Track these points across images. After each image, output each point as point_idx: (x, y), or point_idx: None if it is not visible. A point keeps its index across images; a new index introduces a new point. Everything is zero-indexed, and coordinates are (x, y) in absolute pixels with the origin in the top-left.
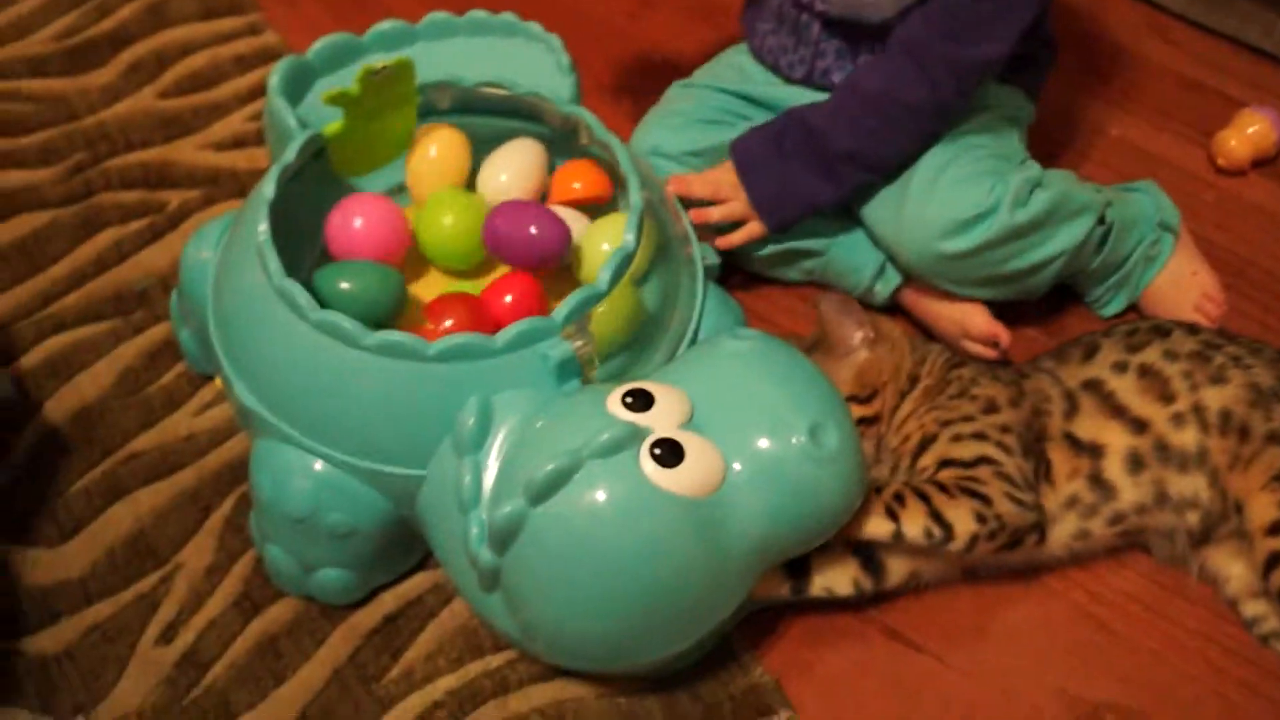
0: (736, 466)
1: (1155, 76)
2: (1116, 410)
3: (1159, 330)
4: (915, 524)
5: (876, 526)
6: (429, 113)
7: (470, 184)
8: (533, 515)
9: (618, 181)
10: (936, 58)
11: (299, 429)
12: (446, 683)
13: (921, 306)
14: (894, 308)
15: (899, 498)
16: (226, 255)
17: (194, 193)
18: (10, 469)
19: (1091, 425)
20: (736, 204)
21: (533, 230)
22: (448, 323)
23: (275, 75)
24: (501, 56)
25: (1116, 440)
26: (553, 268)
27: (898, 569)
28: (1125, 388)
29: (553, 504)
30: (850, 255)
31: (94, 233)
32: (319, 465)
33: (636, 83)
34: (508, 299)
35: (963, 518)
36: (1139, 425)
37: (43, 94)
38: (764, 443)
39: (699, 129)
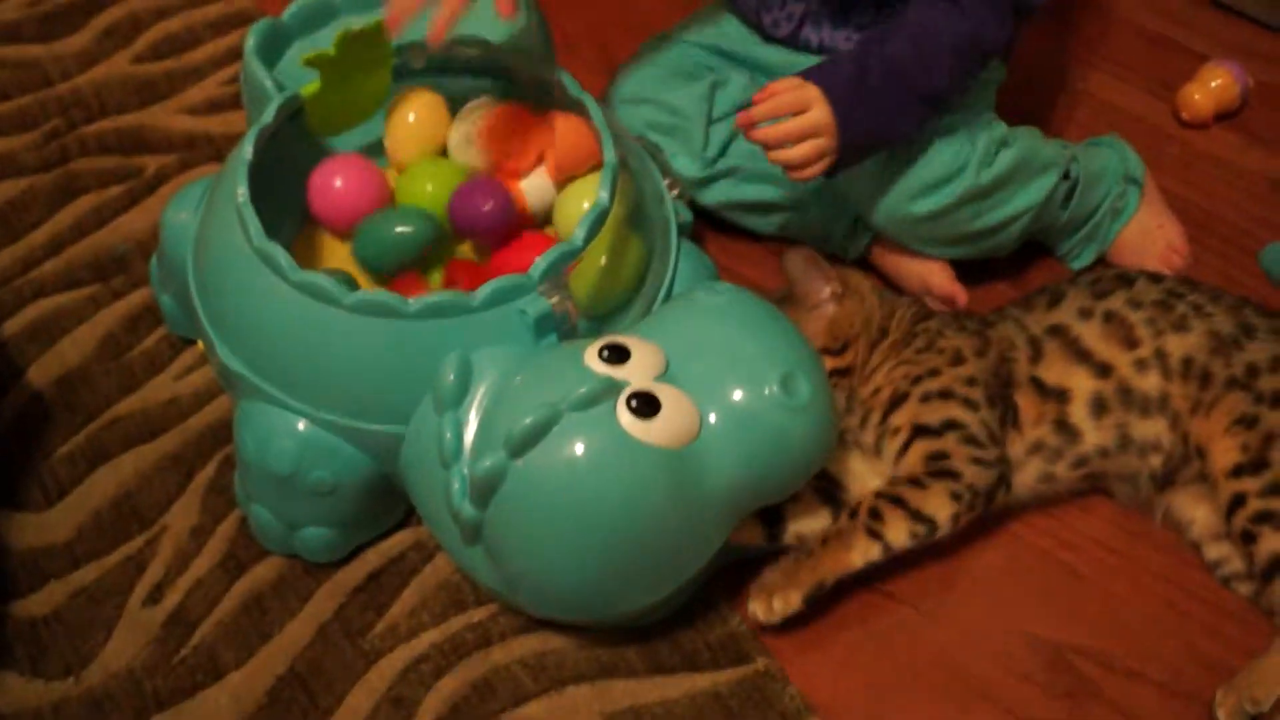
0: (711, 417)
1: (1119, 30)
2: (1081, 355)
3: (1123, 279)
4: (899, 533)
5: (865, 552)
6: (404, 73)
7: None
8: (513, 468)
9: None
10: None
11: (281, 389)
12: (430, 636)
13: (889, 262)
14: (861, 261)
15: (875, 514)
16: (207, 218)
17: (170, 158)
18: None
19: (1057, 370)
20: (812, 119)
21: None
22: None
23: (251, 38)
24: (474, 14)
25: (1081, 384)
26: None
27: None
28: (1090, 333)
29: (532, 456)
30: (825, 211)
31: (72, 199)
32: (302, 424)
33: (614, 40)
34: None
35: (940, 505)
36: (1103, 370)
37: (16, 60)
38: (738, 393)
39: (675, 81)
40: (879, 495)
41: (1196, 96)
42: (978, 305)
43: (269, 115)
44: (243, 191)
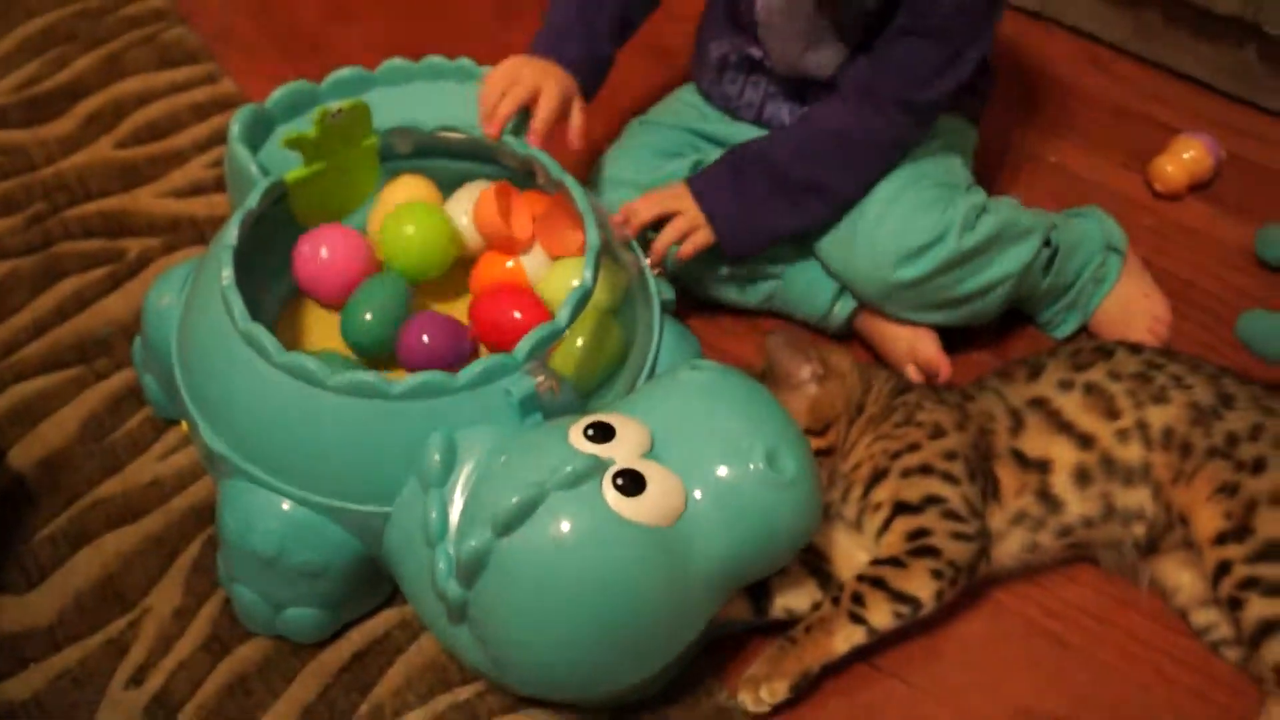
0: (697, 494)
1: (1092, 105)
2: (1063, 426)
3: (1102, 351)
4: (882, 615)
5: (849, 637)
6: (389, 157)
7: None
8: (499, 547)
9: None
10: (890, 100)
11: (266, 470)
12: (416, 717)
13: (875, 330)
14: (846, 331)
15: (857, 599)
16: (191, 301)
17: (154, 240)
18: None
19: (1038, 441)
20: (684, 217)
21: (425, 339)
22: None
23: (235, 123)
24: (458, 100)
25: (1064, 455)
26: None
27: None
28: (1071, 405)
29: (519, 536)
30: (808, 278)
31: (54, 281)
32: (286, 505)
33: (593, 126)
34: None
35: (922, 584)
36: (1085, 440)
37: (2, 145)
38: (723, 470)
39: (659, 160)
40: (860, 578)
41: (1169, 168)
42: (960, 375)
43: (254, 200)
44: (227, 275)
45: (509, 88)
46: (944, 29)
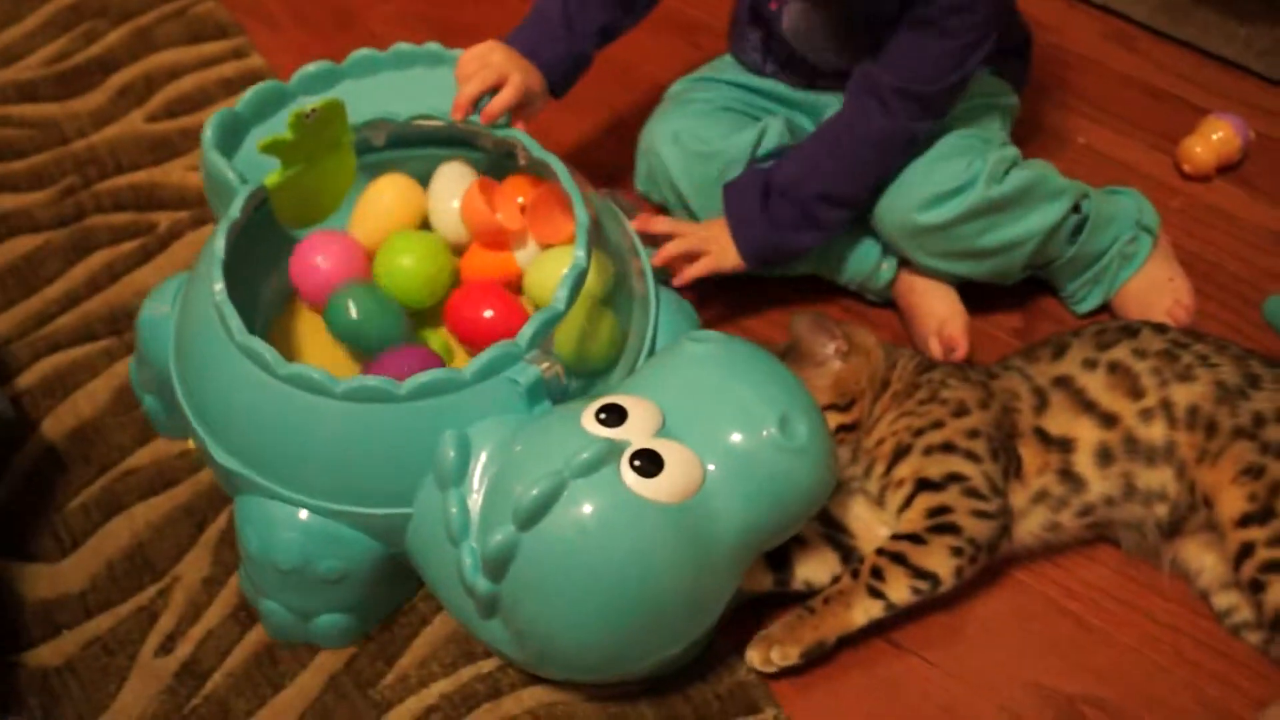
0: (713, 466)
1: (1121, 85)
2: (1086, 405)
3: (1128, 330)
4: (901, 591)
5: (867, 610)
6: (365, 150)
7: None
8: (524, 540)
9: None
10: (896, 94)
11: (281, 482)
12: (441, 687)
13: (910, 301)
14: (887, 297)
15: (876, 573)
16: (185, 318)
17: (183, 213)
18: (9, 486)
19: (1062, 420)
20: (693, 238)
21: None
22: (487, 314)
23: (208, 130)
24: (430, 86)
25: (1086, 434)
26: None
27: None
28: (1095, 384)
29: (542, 527)
30: (854, 237)
31: (86, 254)
32: (303, 514)
33: (621, 101)
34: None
35: (941, 561)
36: (1109, 420)
37: (34, 119)
38: (737, 439)
39: (719, 116)
40: (880, 553)
41: (1198, 150)
42: (985, 354)
43: (236, 209)
44: (220, 288)
45: (477, 71)
46: (944, 22)
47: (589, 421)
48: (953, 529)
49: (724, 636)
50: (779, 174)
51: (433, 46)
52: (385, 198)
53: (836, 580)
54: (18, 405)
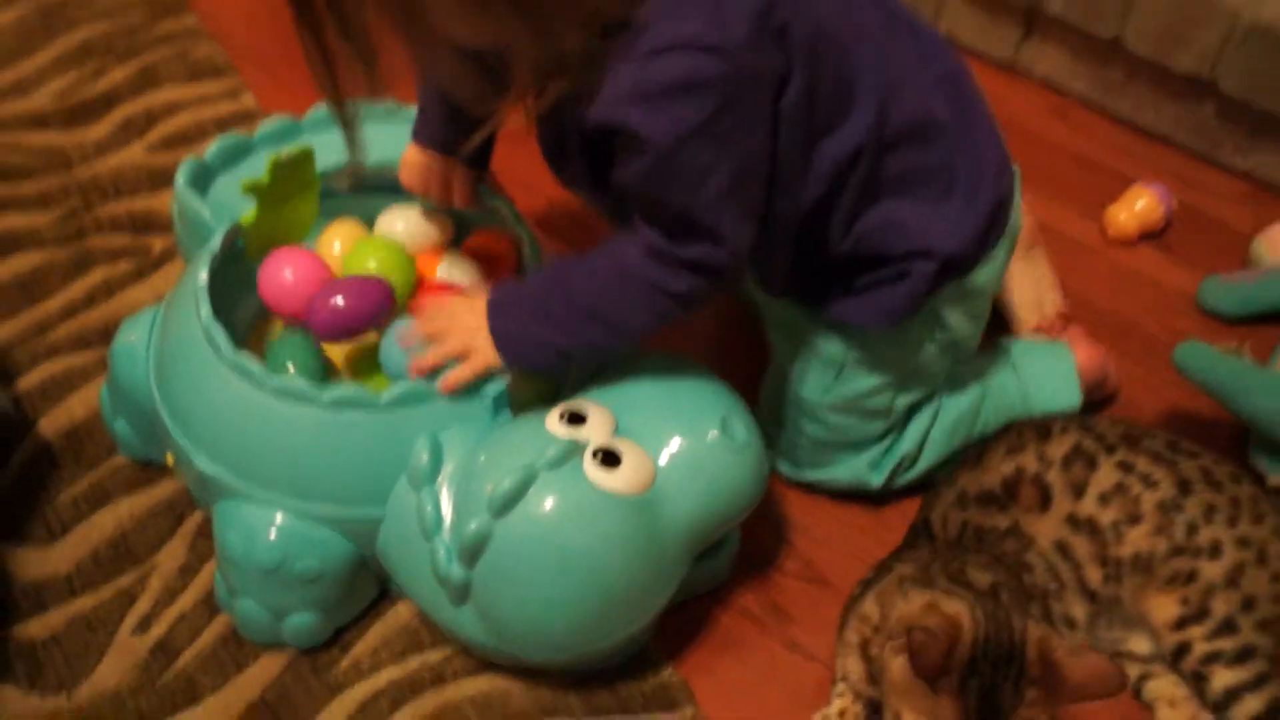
0: (664, 463)
1: (1056, 154)
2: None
3: (1089, 463)
4: None
5: None
6: (328, 194)
7: None
8: (497, 527)
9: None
10: (657, 250)
11: (264, 487)
12: (389, 673)
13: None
14: None
15: None
16: (168, 340)
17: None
18: (7, 478)
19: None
20: (454, 342)
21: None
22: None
23: (181, 175)
24: (384, 139)
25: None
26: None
27: None
28: (1082, 547)
29: (514, 514)
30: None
31: (85, 271)
32: (280, 516)
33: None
34: None
35: None
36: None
37: (42, 146)
38: (685, 440)
39: None
40: None
41: (1122, 216)
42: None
43: (216, 243)
44: (206, 312)
45: (421, 181)
46: (632, 196)
47: (553, 423)
48: None
49: (653, 639)
50: (562, 271)
51: (388, 103)
52: (336, 243)
53: None
54: (18, 405)
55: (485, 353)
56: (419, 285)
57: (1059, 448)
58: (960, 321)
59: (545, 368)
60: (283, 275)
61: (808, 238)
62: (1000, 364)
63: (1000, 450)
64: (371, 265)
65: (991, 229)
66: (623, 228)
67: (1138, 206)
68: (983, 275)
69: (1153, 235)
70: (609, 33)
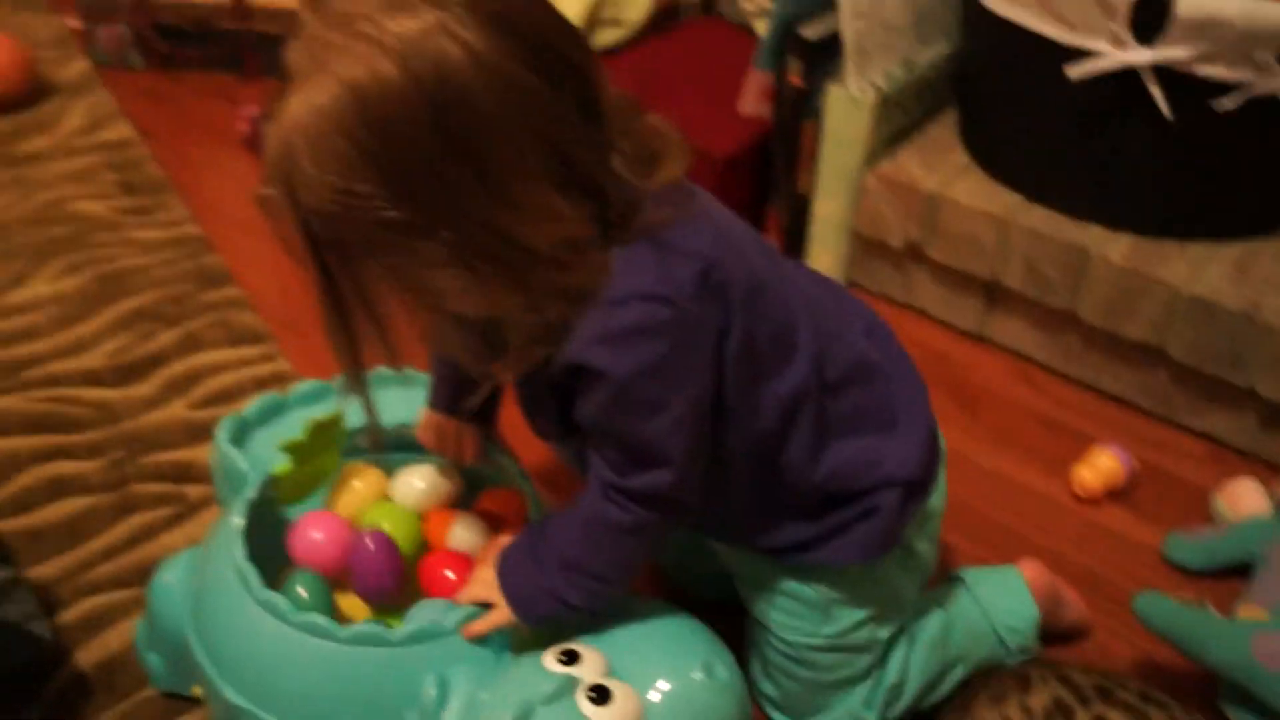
0: (652, 700)
1: (1022, 417)
2: None
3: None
4: None
5: None
6: (352, 451)
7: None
8: None
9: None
10: (612, 487)
11: (286, 716)
12: None
13: None
14: None
15: None
16: (202, 580)
17: (211, 488)
18: (42, 706)
19: None
20: (478, 586)
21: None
22: (449, 574)
23: (223, 429)
24: (401, 401)
25: None
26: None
27: None
28: None
29: None
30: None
31: (127, 515)
32: None
33: None
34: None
35: None
36: None
37: (94, 400)
38: (671, 681)
39: None
40: None
41: (1087, 475)
42: None
43: (252, 491)
44: (240, 553)
45: (438, 442)
46: (592, 428)
47: (550, 662)
48: None
49: None
50: (546, 524)
51: (408, 371)
52: (358, 481)
53: None
54: (57, 636)
55: (505, 607)
56: (430, 548)
57: (1039, 698)
58: (924, 546)
59: (556, 618)
60: (311, 536)
61: (769, 477)
62: (955, 589)
63: (983, 698)
64: (385, 528)
65: (933, 450)
66: (588, 475)
67: (1100, 465)
68: (935, 497)
69: (1117, 493)
70: (582, 299)
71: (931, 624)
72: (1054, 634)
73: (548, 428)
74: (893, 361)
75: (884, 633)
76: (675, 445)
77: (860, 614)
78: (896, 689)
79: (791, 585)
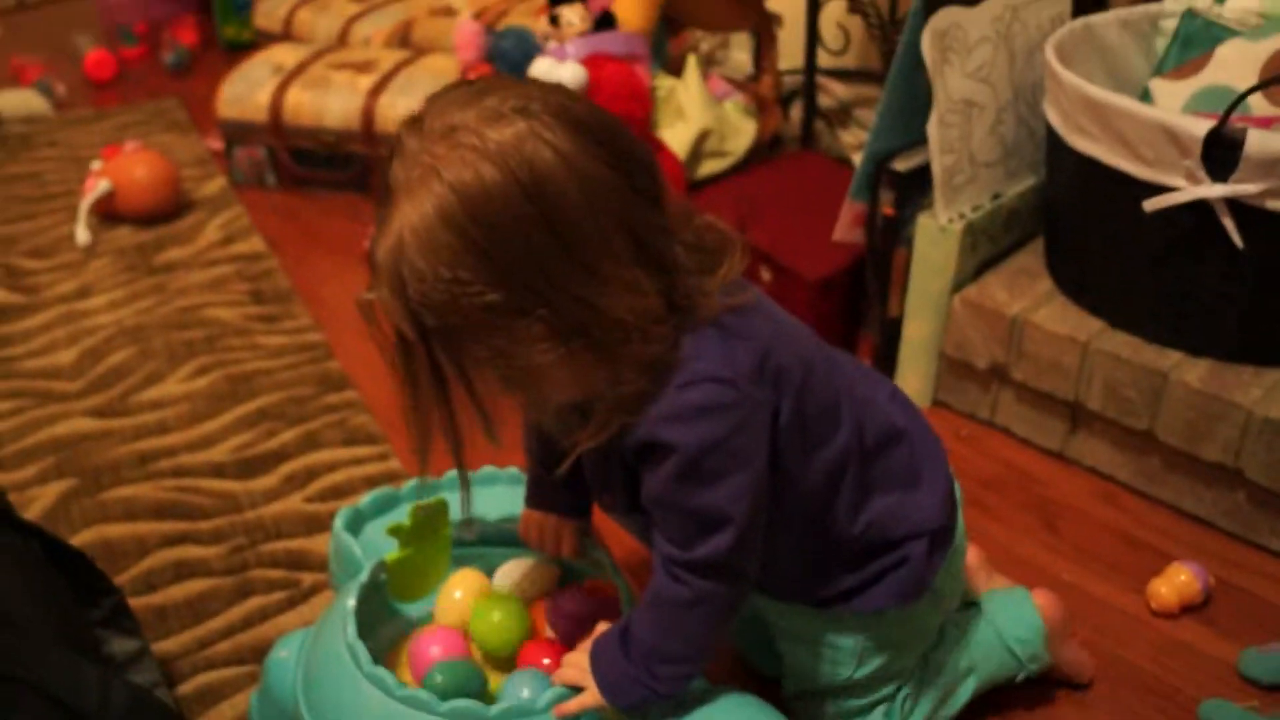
0: None
1: (1103, 534)
2: None
3: None
4: None
5: None
6: (458, 543)
7: None
8: None
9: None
10: (675, 562)
11: None
12: None
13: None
14: None
15: None
16: (315, 656)
17: (324, 575)
18: None
19: None
20: (571, 670)
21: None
22: (545, 661)
23: (340, 519)
24: (508, 498)
25: None
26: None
27: None
28: None
29: None
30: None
31: (245, 598)
32: None
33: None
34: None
35: None
36: None
37: (219, 491)
38: None
39: None
40: None
41: (1164, 590)
42: None
43: (366, 574)
44: (352, 631)
45: (539, 537)
46: (659, 502)
47: None
48: None
49: None
50: (633, 616)
51: (512, 470)
52: (460, 584)
53: None
54: (176, 707)
55: (596, 691)
56: (532, 636)
57: None
58: (949, 583)
59: (645, 704)
60: (429, 652)
61: (818, 532)
62: (970, 610)
63: None
64: (496, 616)
65: (952, 500)
66: (653, 549)
67: (1178, 582)
68: (957, 538)
69: (1195, 609)
70: (656, 372)
71: (946, 640)
72: (1053, 670)
73: (614, 502)
74: (915, 425)
75: (911, 661)
76: (737, 509)
77: (893, 651)
78: (911, 703)
79: (830, 635)
